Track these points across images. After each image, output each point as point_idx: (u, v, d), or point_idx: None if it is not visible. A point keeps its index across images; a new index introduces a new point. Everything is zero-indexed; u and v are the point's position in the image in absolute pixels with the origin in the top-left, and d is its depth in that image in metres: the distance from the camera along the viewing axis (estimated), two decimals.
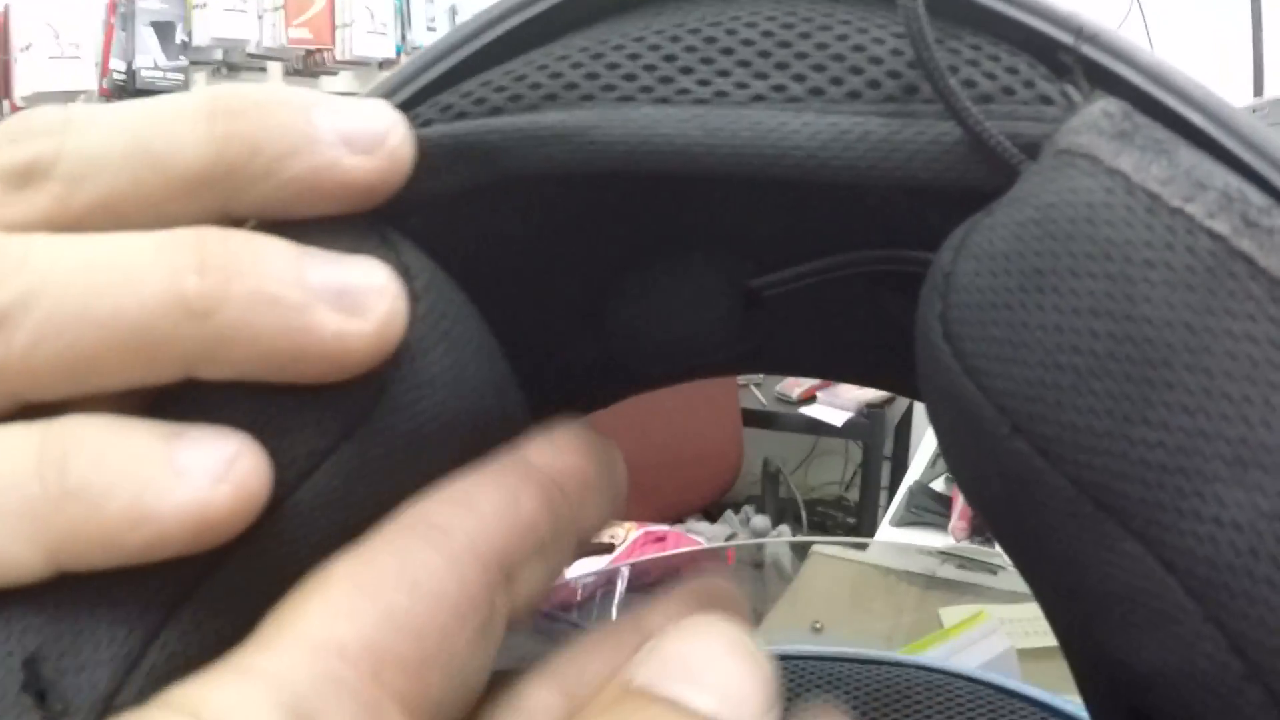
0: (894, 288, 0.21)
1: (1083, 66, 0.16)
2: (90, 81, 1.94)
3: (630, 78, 0.17)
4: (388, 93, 0.18)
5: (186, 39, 2.03)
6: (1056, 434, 0.14)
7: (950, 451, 0.18)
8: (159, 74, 1.98)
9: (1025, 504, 0.15)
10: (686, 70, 0.17)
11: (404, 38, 2.42)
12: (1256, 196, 0.14)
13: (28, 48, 1.88)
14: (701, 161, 0.17)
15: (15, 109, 1.86)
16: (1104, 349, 0.14)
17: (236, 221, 0.16)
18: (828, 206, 0.19)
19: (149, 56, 1.98)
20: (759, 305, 0.22)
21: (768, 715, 0.14)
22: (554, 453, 0.18)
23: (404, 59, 2.36)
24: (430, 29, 2.47)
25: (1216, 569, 0.13)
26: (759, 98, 0.17)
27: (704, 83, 0.17)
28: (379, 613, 0.14)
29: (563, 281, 0.21)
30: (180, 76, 2.01)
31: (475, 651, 0.15)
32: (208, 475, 0.14)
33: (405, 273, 0.16)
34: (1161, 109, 0.15)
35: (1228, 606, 0.13)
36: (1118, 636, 0.15)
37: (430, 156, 0.17)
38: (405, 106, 0.18)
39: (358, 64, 2.32)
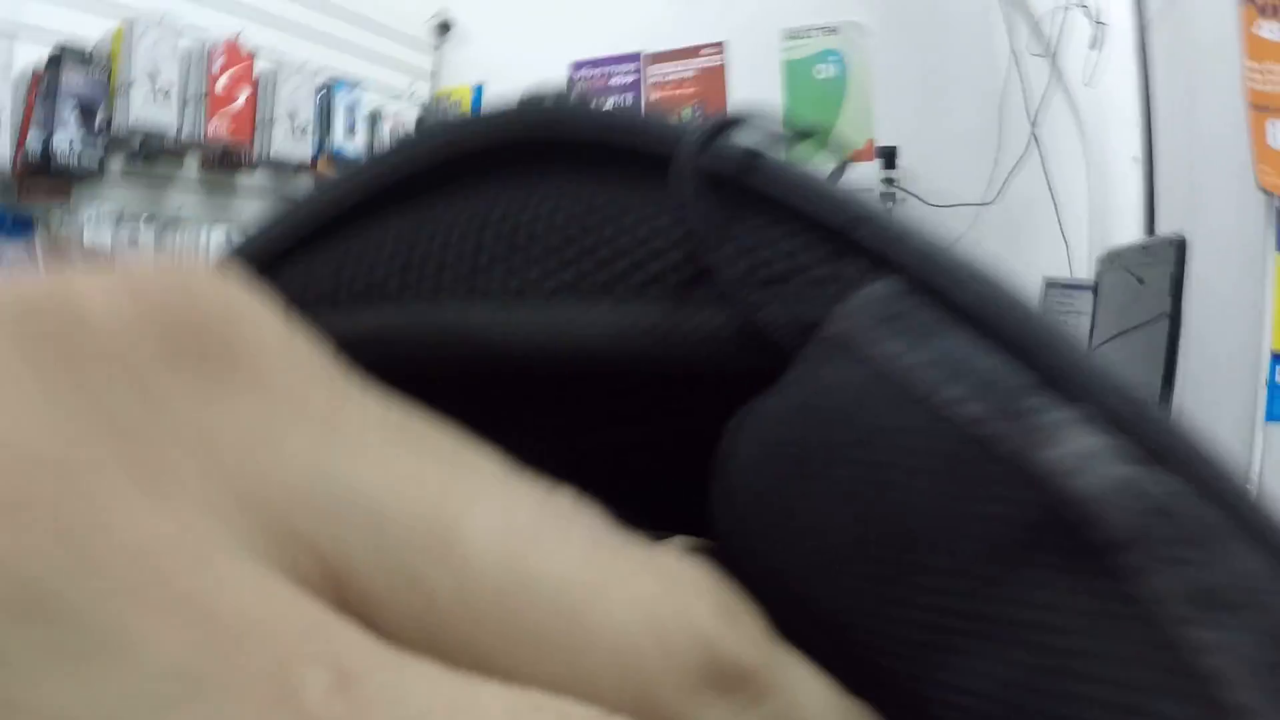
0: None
1: (859, 250, 0.16)
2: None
3: (439, 270, 0.18)
4: (250, 254, 0.19)
5: (107, 122, 2.02)
6: (830, 613, 0.14)
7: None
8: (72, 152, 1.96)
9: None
10: (492, 263, 0.17)
11: (322, 143, 2.44)
12: (1014, 379, 0.14)
13: None
14: (509, 358, 0.17)
15: None
16: (857, 534, 0.14)
17: None
18: (629, 385, 0.19)
19: (67, 134, 1.95)
20: (586, 464, 0.21)
21: None
22: None
23: (321, 163, 2.38)
24: (350, 132, 2.50)
25: None
26: (558, 291, 0.17)
27: (510, 274, 0.17)
28: None
29: None
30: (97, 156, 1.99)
31: None
32: None
33: None
34: (934, 291, 0.15)
35: None
36: None
37: None
38: (270, 273, 0.18)
39: (276, 164, 2.33)
